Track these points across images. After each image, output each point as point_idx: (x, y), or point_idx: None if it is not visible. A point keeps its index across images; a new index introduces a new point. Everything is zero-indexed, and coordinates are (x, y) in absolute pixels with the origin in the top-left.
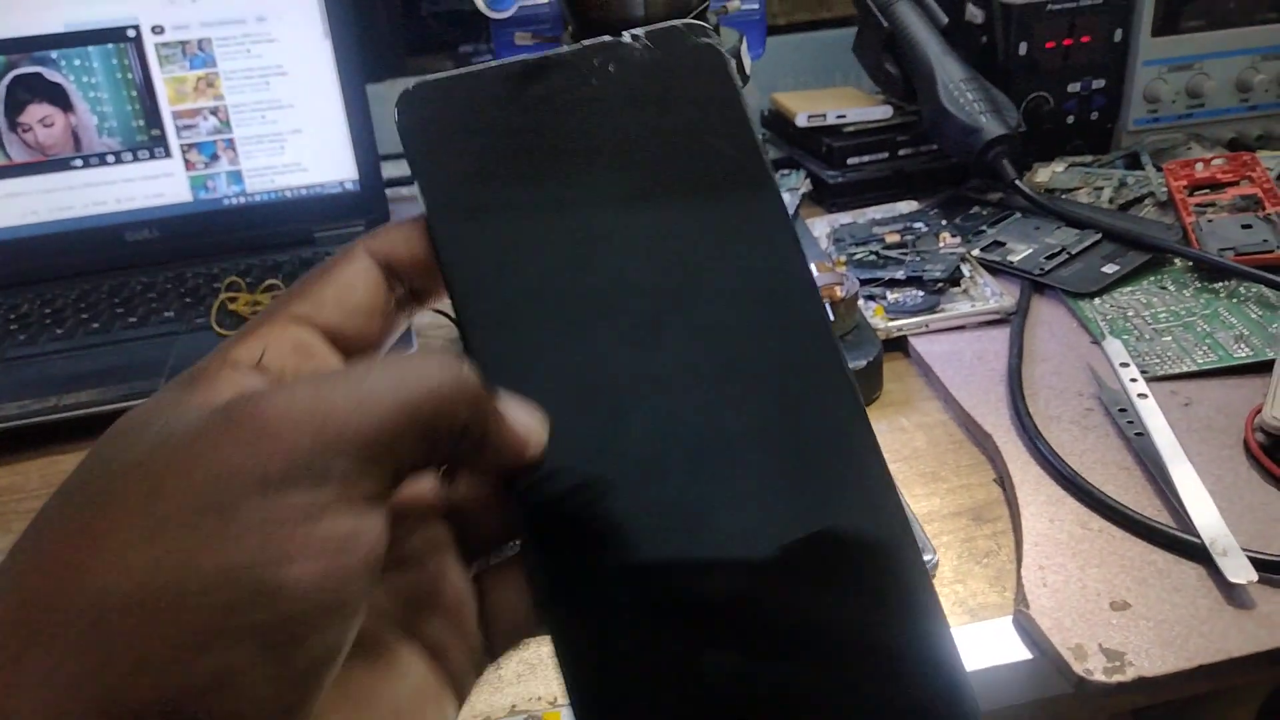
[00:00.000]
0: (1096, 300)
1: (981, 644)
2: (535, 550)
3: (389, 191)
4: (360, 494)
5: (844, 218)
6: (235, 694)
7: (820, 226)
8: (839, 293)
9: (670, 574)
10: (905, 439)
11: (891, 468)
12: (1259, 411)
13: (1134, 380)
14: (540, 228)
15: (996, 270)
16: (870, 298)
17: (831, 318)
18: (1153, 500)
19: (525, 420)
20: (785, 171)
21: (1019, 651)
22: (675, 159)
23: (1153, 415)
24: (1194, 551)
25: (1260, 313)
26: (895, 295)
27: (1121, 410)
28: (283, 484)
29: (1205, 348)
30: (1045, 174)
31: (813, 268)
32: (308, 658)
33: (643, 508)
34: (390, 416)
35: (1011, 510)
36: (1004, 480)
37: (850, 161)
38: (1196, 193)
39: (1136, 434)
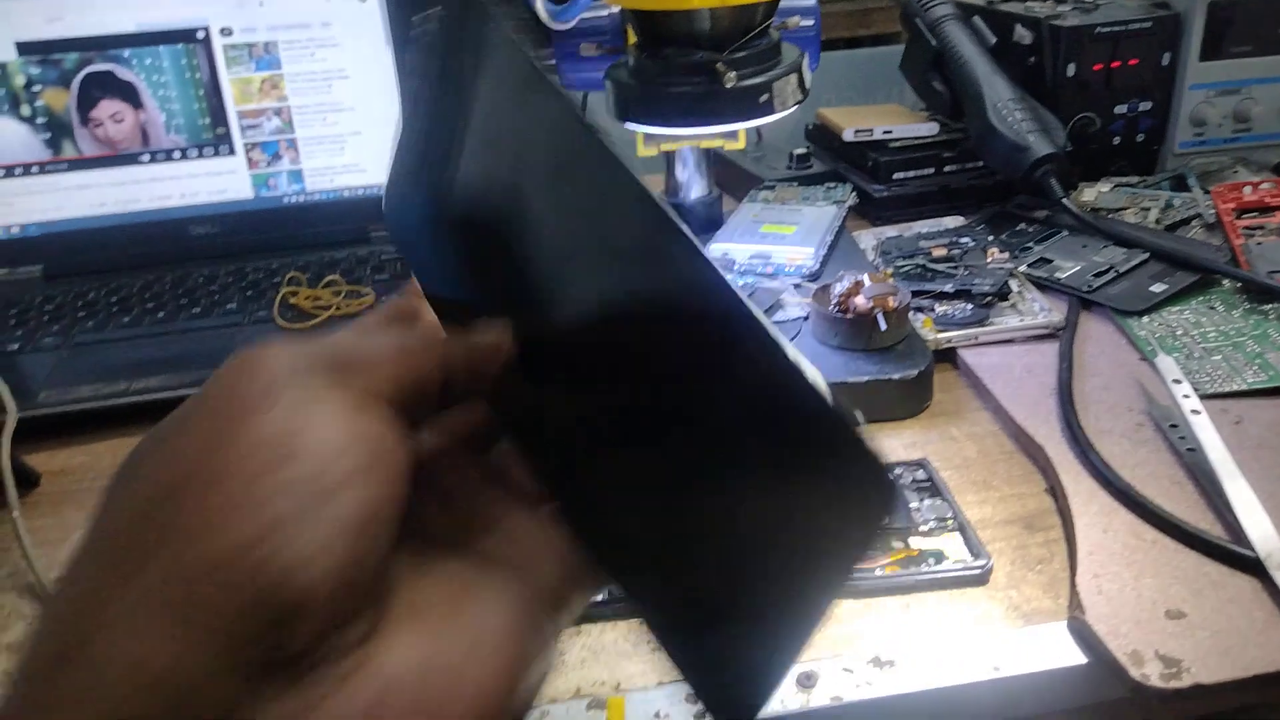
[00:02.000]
0: (1145, 318)
1: (1036, 648)
2: None
3: None
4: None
5: (890, 231)
6: (286, 546)
7: (866, 239)
8: (891, 303)
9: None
10: (956, 448)
11: (943, 475)
12: None
13: (1187, 396)
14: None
15: (1044, 286)
16: (918, 309)
17: (884, 327)
18: (1205, 514)
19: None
20: (831, 184)
21: (1074, 656)
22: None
23: (1206, 431)
24: (1248, 564)
25: None
26: (944, 308)
27: (1173, 426)
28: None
29: (1255, 367)
30: (1091, 194)
31: (865, 278)
32: (342, 509)
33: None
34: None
35: (1064, 520)
36: (1056, 490)
37: (896, 176)
38: (1244, 216)
39: (1189, 449)
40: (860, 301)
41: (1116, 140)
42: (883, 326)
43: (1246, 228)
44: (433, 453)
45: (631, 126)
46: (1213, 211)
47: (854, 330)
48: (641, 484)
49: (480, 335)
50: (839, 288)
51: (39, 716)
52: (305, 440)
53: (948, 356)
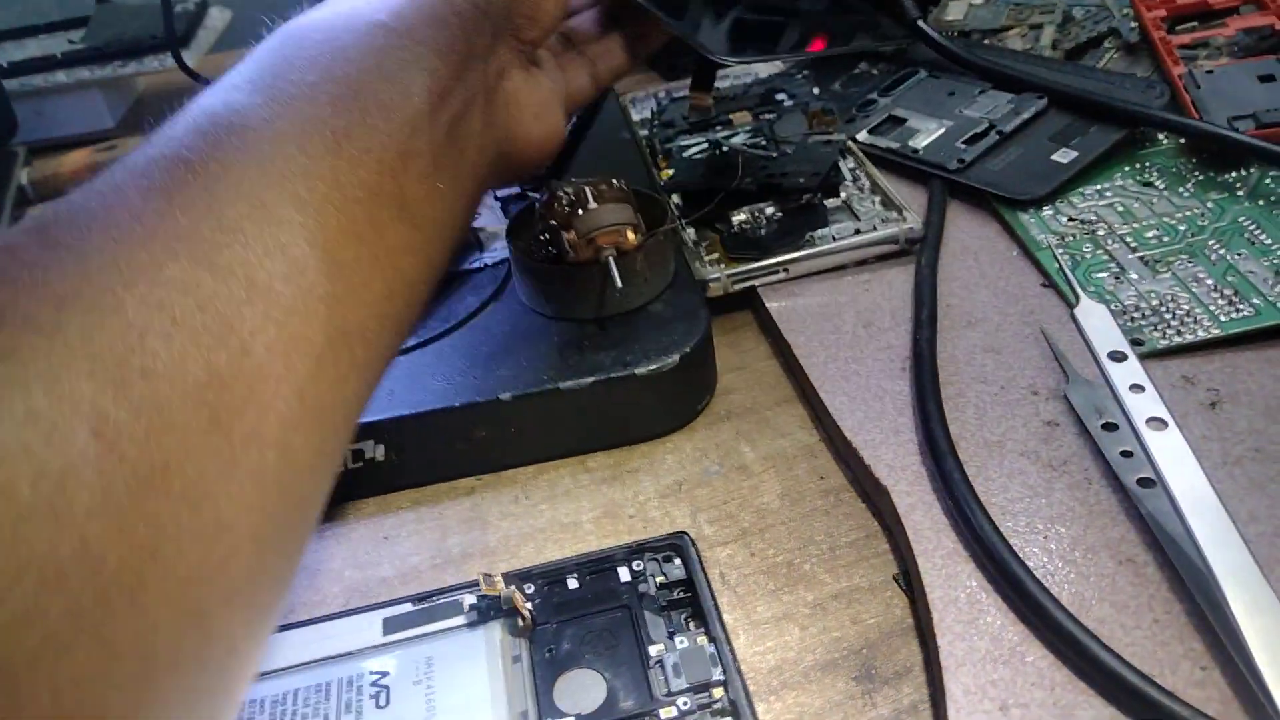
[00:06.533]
0: (1047, 210)
1: None
2: None
3: None
4: None
5: (679, 88)
6: None
7: (646, 106)
8: (631, 237)
9: None
10: (746, 488)
11: (720, 556)
12: None
13: (1137, 389)
14: None
15: (894, 164)
16: (705, 224)
17: (620, 282)
18: (1189, 643)
19: None
20: None
21: None
22: None
23: (1167, 446)
24: None
25: None
26: (740, 217)
27: (1107, 427)
28: None
29: (1228, 292)
30: (958, 9)
31: (587, 191)
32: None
33: None
34: None
35: (927, 655)
36: (911, 582)
37: None
38: (1180, 28)
39: (1139, 481)
40: (575, 240)
41: None
42: (618, 282)
43: (1185, 47)
44: None
45: None
46: (1134, 25)
47: (570, 289)
48: None
49: None
50: (544, 212)
51: None
52: None
53: (746, 301)
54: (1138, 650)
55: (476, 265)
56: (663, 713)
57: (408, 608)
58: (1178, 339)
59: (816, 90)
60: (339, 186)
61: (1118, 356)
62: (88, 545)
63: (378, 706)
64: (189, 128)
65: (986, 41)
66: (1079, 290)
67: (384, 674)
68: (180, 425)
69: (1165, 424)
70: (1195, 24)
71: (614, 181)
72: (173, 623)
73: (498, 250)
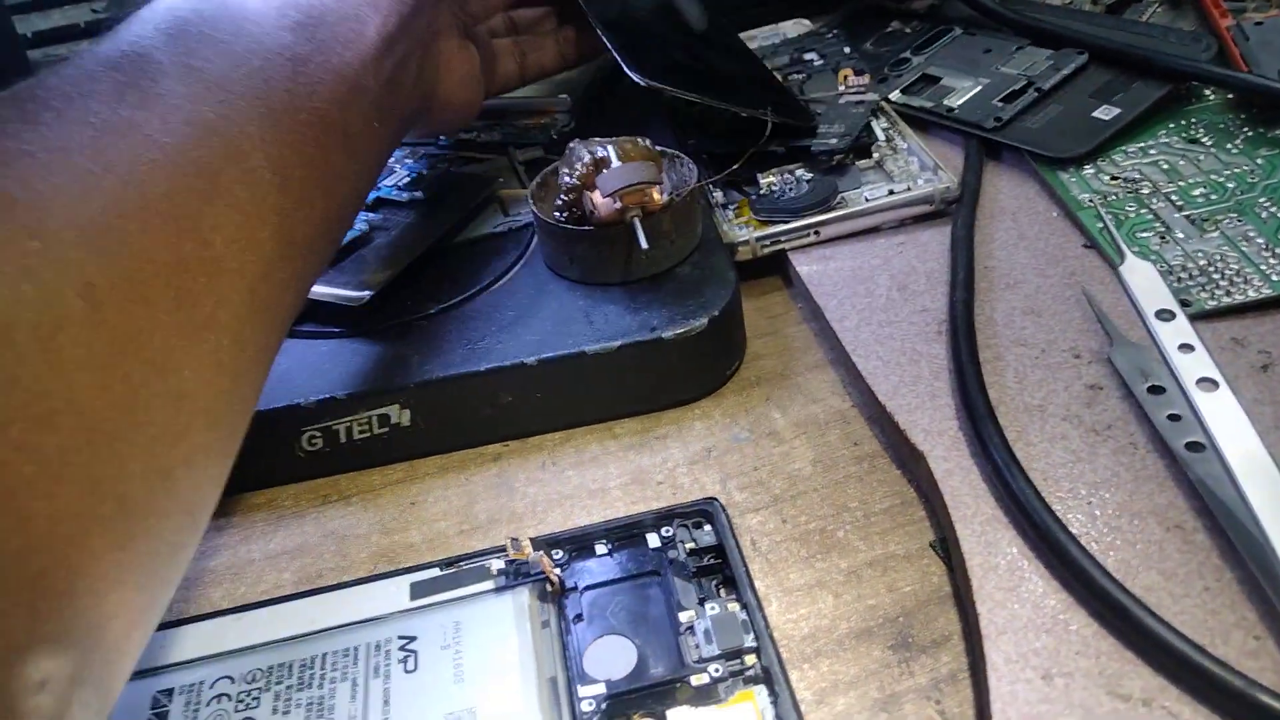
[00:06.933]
0: (1088, 168)
1: None
2: None
3: None
4: None
5: None
6: None
7: None
8: (656, 196)
9: None
10: (777, 459)
11: (751, 523)
12: None
13: (1186, 348)
14: None
15: (928, 123)
16: (733, 186)
17: (645, 244)
18: (1242, 612)
19: None
20: None
21: None
22: None
23: (1219, 409)
24: None
25: None
26: (769, 179)
27: (1154, 390)
28: None
29: (1279, 251)
30: None
31: (610, 150)
32: None
33: None
34: None
35: (967, 619)
36: (949, 549)
37: None
38: None
39: (1188, 445)
40: (599, 200)
41: None
42: (644, 243)
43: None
44: None
45: None
46: None
47: (595, 251)
48: None
49: None
50: (567, 172)
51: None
52: None
53: (776, 265)
54: (1187, 619)
55: (500, 229)
56: (694, 679)
57: (435, 572)
58: (1227, 299)
59: (848, 50)
60: (293, 110)
61: (1165, 315)
62: (75, 393)
63: (406, 671)
64: (159, 30)
65: None
66: (1124, 249)
67: (412, 638)
68: (151, 301)
69: (1216, 384)
70: None
71: (639, 140)
72: (144, 476)
73: (521, 213)
